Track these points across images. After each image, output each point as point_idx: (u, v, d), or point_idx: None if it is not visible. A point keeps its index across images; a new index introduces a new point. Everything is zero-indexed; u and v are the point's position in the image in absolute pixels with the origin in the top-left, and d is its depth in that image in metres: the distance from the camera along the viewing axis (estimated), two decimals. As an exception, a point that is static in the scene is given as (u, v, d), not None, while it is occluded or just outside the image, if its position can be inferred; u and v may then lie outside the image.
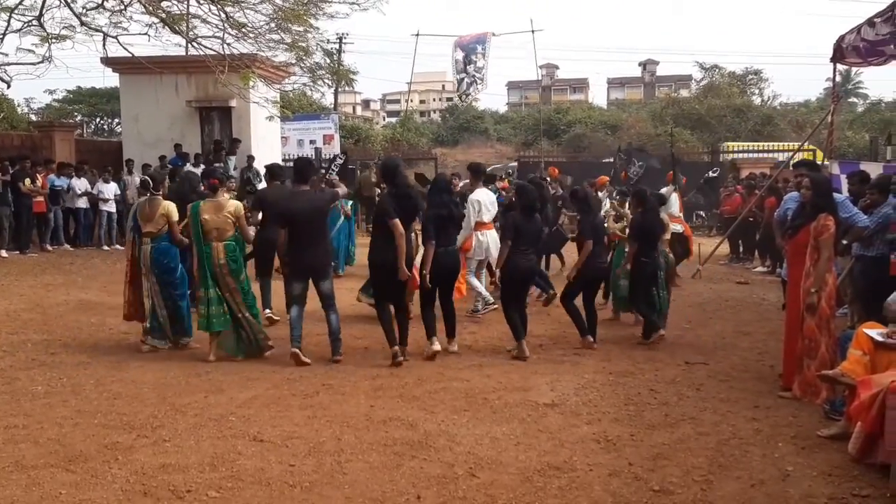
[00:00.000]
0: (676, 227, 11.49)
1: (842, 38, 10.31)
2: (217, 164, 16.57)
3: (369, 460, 4.77)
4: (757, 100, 40.31)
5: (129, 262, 7.76)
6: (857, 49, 9.95)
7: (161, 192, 7.77)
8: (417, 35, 21.33)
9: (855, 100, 51.79)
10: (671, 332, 8.39)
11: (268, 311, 8.81)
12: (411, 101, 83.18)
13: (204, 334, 7.47)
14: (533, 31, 21.67)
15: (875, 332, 5.28)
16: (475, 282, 9.33)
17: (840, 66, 11.23)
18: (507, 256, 7.52)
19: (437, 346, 7.30)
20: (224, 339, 7.37)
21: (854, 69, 36.82)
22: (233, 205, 7.34)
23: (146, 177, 8.15)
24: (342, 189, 8.65)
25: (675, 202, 12.04)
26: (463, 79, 20.87)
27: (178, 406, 5.79)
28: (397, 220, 6.99)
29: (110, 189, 16.69)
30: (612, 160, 23.10)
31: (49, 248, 15.41)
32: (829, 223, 6.10)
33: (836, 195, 6.91)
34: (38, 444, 4.97)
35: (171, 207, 7.57)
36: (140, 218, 7.61)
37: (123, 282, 7.87)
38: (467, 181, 11.18)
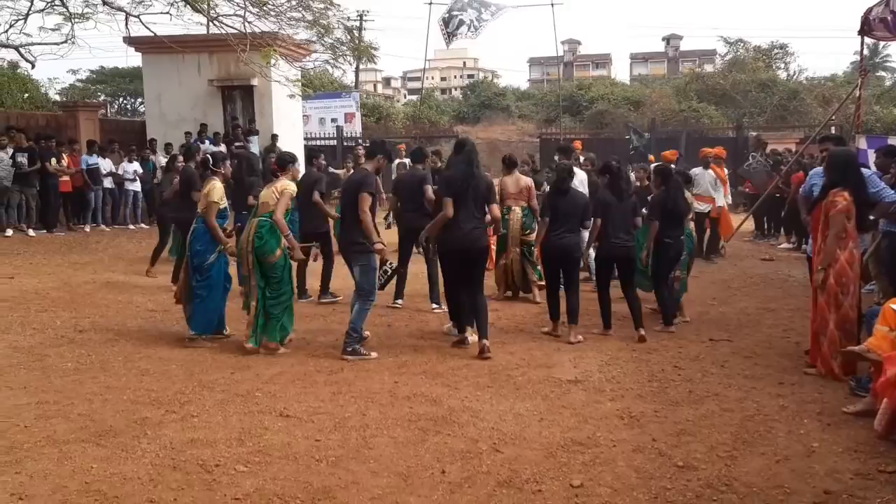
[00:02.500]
0: (701, 207, 11.38)
1: (869, 10, 10.12)
2: (237, 144, 16.66)
3: (394, 435, 4.81)
4: (783, 74, 39.69)
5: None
6: (885, 22, 9.76)
7: (222, 172, 7.33)
8: (431, 3, 21.11)
9: (883, 73, 50.87)
10: (696, 309, 8.35)
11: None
12: (431, 78, 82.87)
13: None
14: (553, 5, 21.35)
15: (903, 307, 5.23)
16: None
17: (867, 40, 11.01)
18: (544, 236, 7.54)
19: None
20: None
21: (882, 43, 36.17)
22: (284, 183, 6.86)
23: (207, 154, 7.73)
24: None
25: (704, 181, 11.96)
26: (457, 16, 20.34)
27: (205, 382, 5.87)
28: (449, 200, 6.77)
29: (131, 168, 16.79)
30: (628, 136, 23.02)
31: (87, 228, 15.57)
32: (839, 199, 6.03)
33: (863, 170, 6.82)
34: (69, 419, 5.06)
35: (213, 186, 7.07)
36: (257, 196, 7.40)
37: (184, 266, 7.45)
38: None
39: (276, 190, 6.80)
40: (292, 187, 6.90)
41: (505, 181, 9.05)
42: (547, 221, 7.49)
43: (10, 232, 14.00)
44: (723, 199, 12.43)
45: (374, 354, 6.64)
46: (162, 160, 17.31)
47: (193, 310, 7.11)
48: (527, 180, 9.18)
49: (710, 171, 12.21)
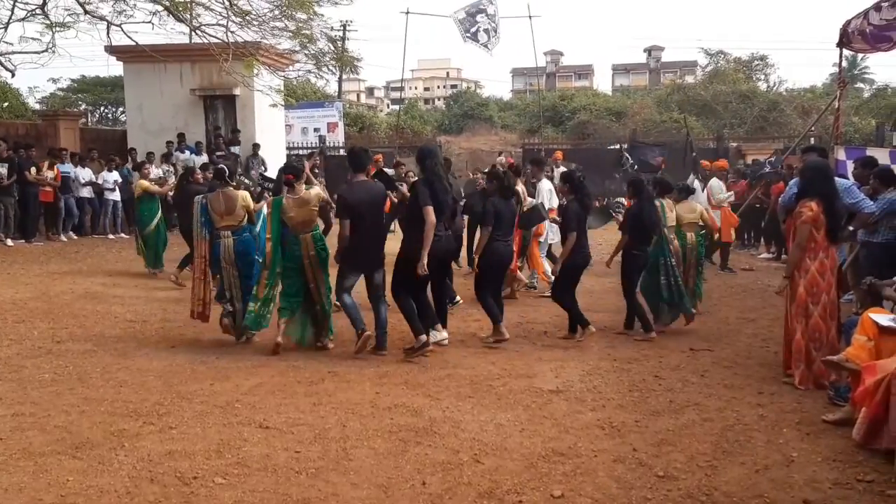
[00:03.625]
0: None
1: (848, 22, 10.25)
2: (218, 153, 16.60)
3: (374, 447, 4.78)
4: (763, 85, 40.11)
5: (204, 259, 7.46)
6: (863, 34, 9.89)
7: (235, 184, 7.61)
8: (407, 13, 21.17)
9: (861, 85, 51.42)
10: (677, 321, 8.37)
11: None
12: (415, 88, 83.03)
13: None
14: (530, 17, 21.38)
15: (881, 317, 5.27)
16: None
17: (846, 52, 11.15)
18: (486, 243, 7.46)
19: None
20: (292, 327, 7.23)
21: (861, 54, 36.59)
22: (314, 195, 7.15)
23: (222, 166, 7.82)
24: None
25: (700, 192, 11.97)
26: (478, 28, 20.40)
27: (183, 393, 5.82)
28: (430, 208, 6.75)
29: (111, 178, 16.67)
30: (617, 146, 23.07)
31: (62, 237, 15.45)
32: (804, 209, 6.10)
33: (842, 181, 6.89)
34: (46, 431, 5.00)
35: (248, 197, 7.53)
36: (214, 212, 7.37)
37: (194, 278, 7.55)
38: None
39: (313, 205, 7.11)
40: (321, 195, 7.29)
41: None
42: (489, 228, 7.46)
43: (-13, 241, 13.86)
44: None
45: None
46: (154, 169, 17.24)
47: (249, 309, 7.29)
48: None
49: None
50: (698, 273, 8.88)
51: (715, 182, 12.48)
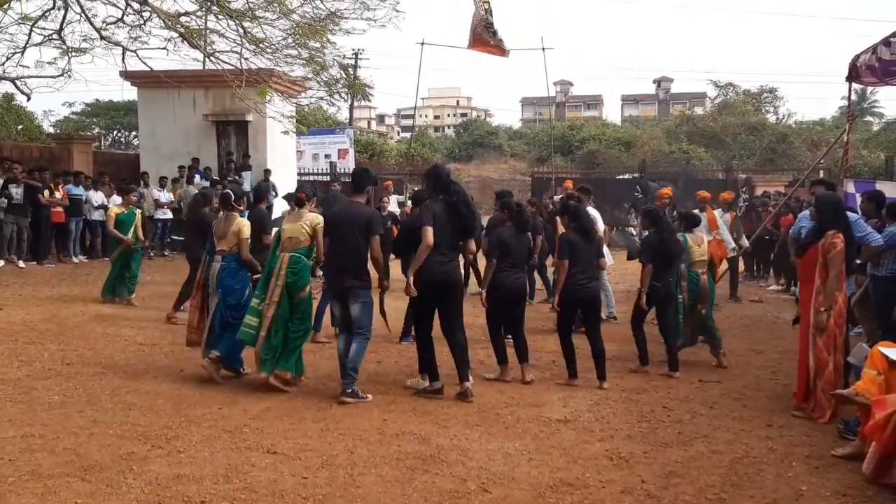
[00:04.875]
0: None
1: (857, 57, 10.29)
2: (228, 179, 16.71)
3: (382, 474, 4.78)
4: (772, 118, 40.30)
5: (199, 284, 7.37)
6: (872, 68, 9.93)
7: (242, 208, 7.39)
8: (423, 44, 21.40)
9: (871, 119, 51.61)
10: (685, 350, 8.34)
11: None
12: (425, 116, 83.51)
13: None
14: (544, 49, 21.57)
15: (891, 351, 5.26)
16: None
17: (855, 85, 11.18)
18: (493, 275, 7.21)
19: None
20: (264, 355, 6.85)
21: (870, 88, 36.73)
22: (311, 217, 6.94)
23: (228, 191, 7.65)
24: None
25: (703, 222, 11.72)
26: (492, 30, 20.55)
27: (192, 417, 5.83)
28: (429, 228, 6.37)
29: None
30: (627, 176, 23.15)
31: (74, 259, 15.51)
32: (837, 241, 6.10)
33: (850, 215, 6.90)
34: (54, 453, 5.01)
35: (243, 224, 7.17)
36: (215, 235, 7.28)
37: (192, 306, 7.47)
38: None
39: (306, 225, 6.83)
40: (318, 220, 6.91)
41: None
42: (494, 261, 7.20)
43: (0, 263, 13.94)
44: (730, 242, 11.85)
45: (369, 397, 6.45)
46: (156, 193, 17.36)
47: (222, 335, 7.03)
48: None
49: (704, 215, 12.07)
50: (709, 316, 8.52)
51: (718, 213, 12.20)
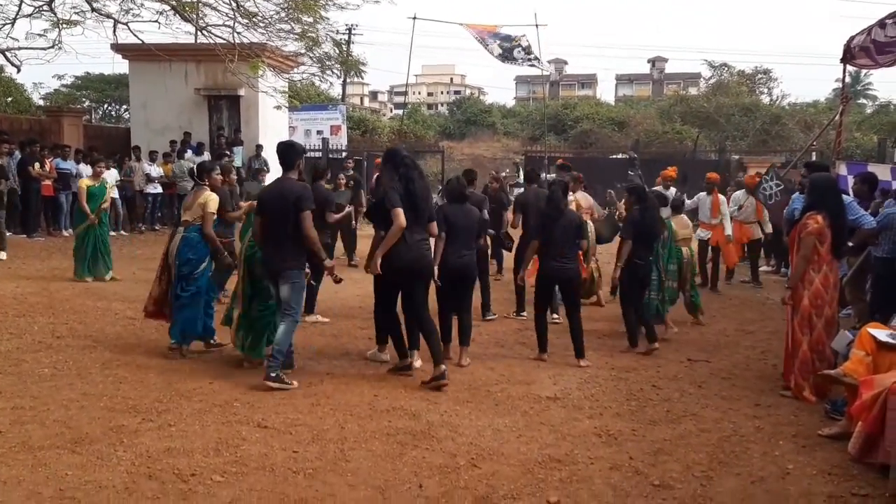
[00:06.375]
0: (702, 234, 11.52)
1: (852, 38, 10.30)
2: (219, 154, 16.61)
3: (372, 448, 4.80)
4: (766, 99, 40.15)
5: (164, 254, 7.19)
6: (867, 50, 9.94)
7: (208, 183, 7.22)
8: (415, 18, 21.20)
9: (864, 101, 51.57)
10: (675, 329, 8.40)
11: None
12: (418, 93, 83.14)
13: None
14: (537, 26, 21.36)
15: (879, 332, 5.30)
16: None
17: (849, 67, 11.19)
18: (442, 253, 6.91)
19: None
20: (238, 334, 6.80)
21: (864, 70, 36.71)
22: (203, 195, 7.02)
23: (192, 166, 7.73)
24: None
25: (707, 205, 11.60)
26: (518, 55, 20.55)
27: (182, 391, 5.84)
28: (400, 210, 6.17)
29: (111, 175, 16.63)
30: (619, 156, 23.14)
31: (64, 233, 15.41)
32: (810, 221, 6.12)
33: (843, 197, 6.91)
34: (45, 425, 5.01)
35: (211, 197, 7.06)
36: (182, 207, 7.29)
37: (156, 276, 7.28)
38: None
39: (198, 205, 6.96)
40: (211, 198, 7.03)
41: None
42: (443, 236, 6.86)
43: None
44: (729, 226, 11.51)
45: (295, 384, 6.04)
46: (146, 167, 17.25)
47: (174, 318, 6.99)
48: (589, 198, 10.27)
49: (709, 198, 11.87)
50: (692, 286, 9.11)
51: (703, 196, 11.85)
